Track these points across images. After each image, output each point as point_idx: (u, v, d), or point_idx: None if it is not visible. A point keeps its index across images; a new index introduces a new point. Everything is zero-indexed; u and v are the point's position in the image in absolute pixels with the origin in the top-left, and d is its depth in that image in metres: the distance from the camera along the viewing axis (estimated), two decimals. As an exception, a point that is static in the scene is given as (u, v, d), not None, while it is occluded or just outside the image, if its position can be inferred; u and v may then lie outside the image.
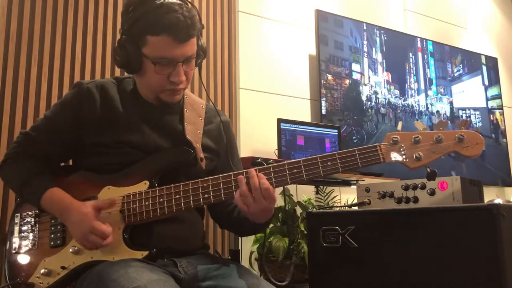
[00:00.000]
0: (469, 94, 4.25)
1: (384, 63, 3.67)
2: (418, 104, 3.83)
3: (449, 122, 3.98)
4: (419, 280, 1.46)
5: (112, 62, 2.54)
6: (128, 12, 1.26)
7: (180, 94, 1.36)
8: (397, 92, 3.71)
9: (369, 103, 3.48)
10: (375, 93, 3.56)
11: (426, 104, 3.88)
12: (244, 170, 1.21)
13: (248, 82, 2.98)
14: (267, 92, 3.05)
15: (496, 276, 1.33)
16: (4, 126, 2.23)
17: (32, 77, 2.33)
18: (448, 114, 4.01)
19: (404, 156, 1.17)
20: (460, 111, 4.15)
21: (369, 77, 3.55)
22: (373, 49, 3.61)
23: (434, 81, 4.00)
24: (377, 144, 1.19)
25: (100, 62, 2.52)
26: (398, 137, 1.18)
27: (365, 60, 3.56)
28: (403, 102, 3.74)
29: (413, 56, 3.85)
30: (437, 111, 3.96)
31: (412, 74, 3.84)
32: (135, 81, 1.39)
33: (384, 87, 3.63)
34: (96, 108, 1.32)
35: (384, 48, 3.67)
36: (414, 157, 1.17)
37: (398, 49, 3.77)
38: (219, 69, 2.91)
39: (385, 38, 3.69)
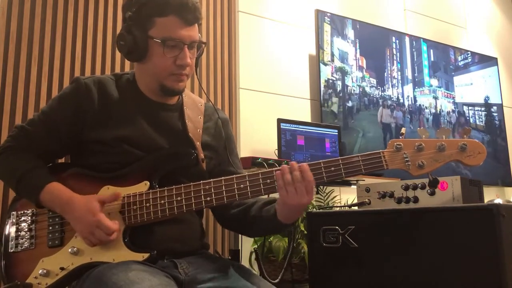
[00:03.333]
0: (480, 86, 3.59)
1: (358, 44, 2.88)
2: (403, 97, 3.13)
3: (444, 117, 3.49)
4: (419, 280, 1.46)
5: (112, 62, 2.54)
6: None
7: (184, 82, 1.35)
8: (373, 81, 2.86)
9: (328, 92, 2.37)
10: (344, 72, 2.29)
11: (415, 97, 3.29)
12: (285, 164, 1.21)
13: (248, 82, 2.98)
14: (267, 92, 3.05)
15: (496, 276, 1.33)
16: (4, 126, 2.23)
17: (32, 77, 2.33)
18: (446, 110, 3.44)
19: (407, 164, 1.19)
20: (465, 107, 3.53)
21: (332, 54, 2.44)
22: (343, 22, 2.75)
23: (426, 71, 3.41)
24: (380, 150, 1.20)
25: (100, 62, 2.52)
26: (402, 144, 1.20)
27: (327, 26, 2.46)
28: (381, 93, 2.96)
29: (396, 41, 3.29)
30: (425, 106, 3.28)
31: (395, 61, 3.20)
32: (135, 77, 1.38)
33: (358, 70, 2.72)
34: (94, 103, 1.31)
35: (357, 25, 3.03)
36: (417, 164, 1.18)
37: (376, 33, 3.13)
38: (219, 69, 2.91)
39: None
